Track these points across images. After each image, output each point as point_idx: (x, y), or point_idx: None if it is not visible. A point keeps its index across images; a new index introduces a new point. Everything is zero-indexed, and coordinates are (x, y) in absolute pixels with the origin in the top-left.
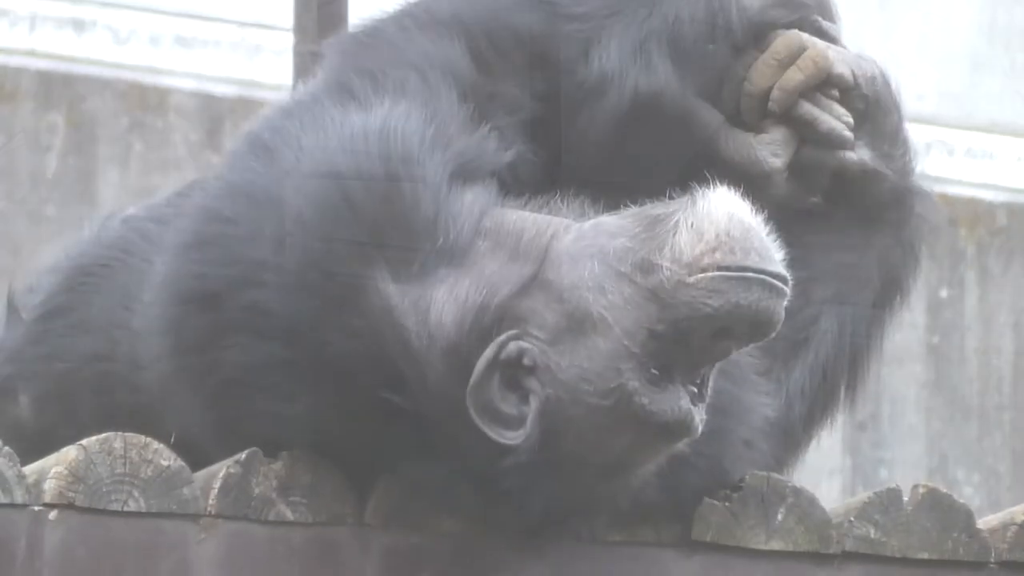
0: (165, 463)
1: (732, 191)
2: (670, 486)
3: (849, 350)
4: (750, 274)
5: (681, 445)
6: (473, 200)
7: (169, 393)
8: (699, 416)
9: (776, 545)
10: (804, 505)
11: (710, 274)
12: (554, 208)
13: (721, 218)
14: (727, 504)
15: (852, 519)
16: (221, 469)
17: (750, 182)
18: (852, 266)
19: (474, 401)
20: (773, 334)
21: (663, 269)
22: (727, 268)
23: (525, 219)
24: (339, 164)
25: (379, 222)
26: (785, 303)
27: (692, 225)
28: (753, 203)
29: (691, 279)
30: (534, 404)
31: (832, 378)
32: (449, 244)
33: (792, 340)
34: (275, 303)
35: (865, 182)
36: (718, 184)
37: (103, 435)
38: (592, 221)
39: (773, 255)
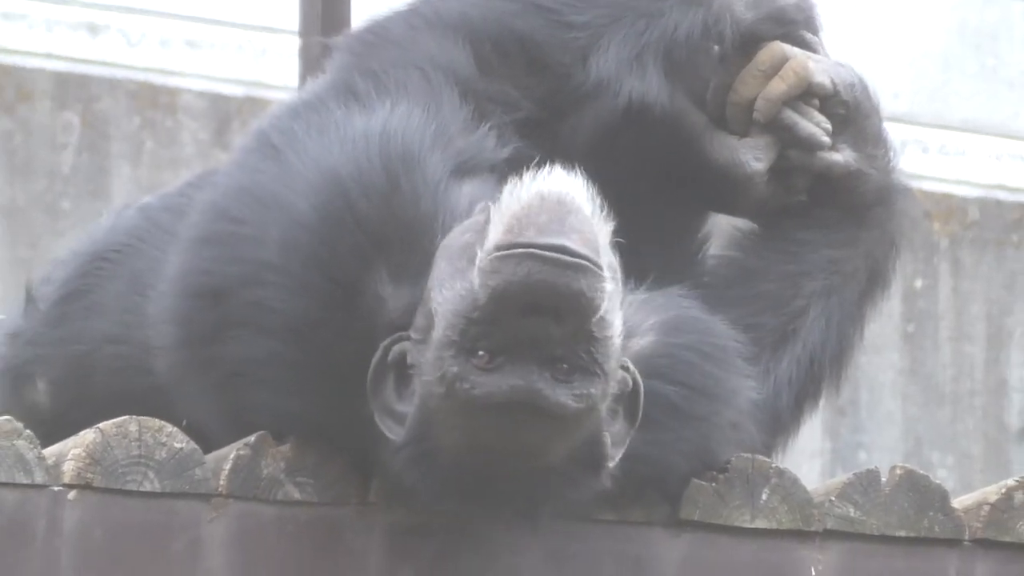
0: (178, 445)
1: (556, 170)
2: (659, 468)
3: (835, 340)
4: (519, 250)
5: (563, 427)
6: (471, 194)
7: (178, 380)
8: (568, 392)
9: (761, 524)
10: (787, 485)
11: (489, 256)
12: (485, 204)
13: (523, 200)
14: (714, 485)
15: (833, 499)
16: (231, 451)
17: (733, 183)
18: (840, 261)
19: (374, 402)
20: (589, 310)
21: (476, 258)
22: (505, 247)
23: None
24: (340, 168)
25: (379, 224)
26: (587, 276)
27: (501, 210)
28: (737, 204)
29: (480, 263)
30: (414, 401)
31: (818, 367)
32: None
33: (781, 331)
34: (277, 302)
35: (851, 182)
36: (548, 166)
37: (119, 419)
38: (466, 221)
39: (564, 229)
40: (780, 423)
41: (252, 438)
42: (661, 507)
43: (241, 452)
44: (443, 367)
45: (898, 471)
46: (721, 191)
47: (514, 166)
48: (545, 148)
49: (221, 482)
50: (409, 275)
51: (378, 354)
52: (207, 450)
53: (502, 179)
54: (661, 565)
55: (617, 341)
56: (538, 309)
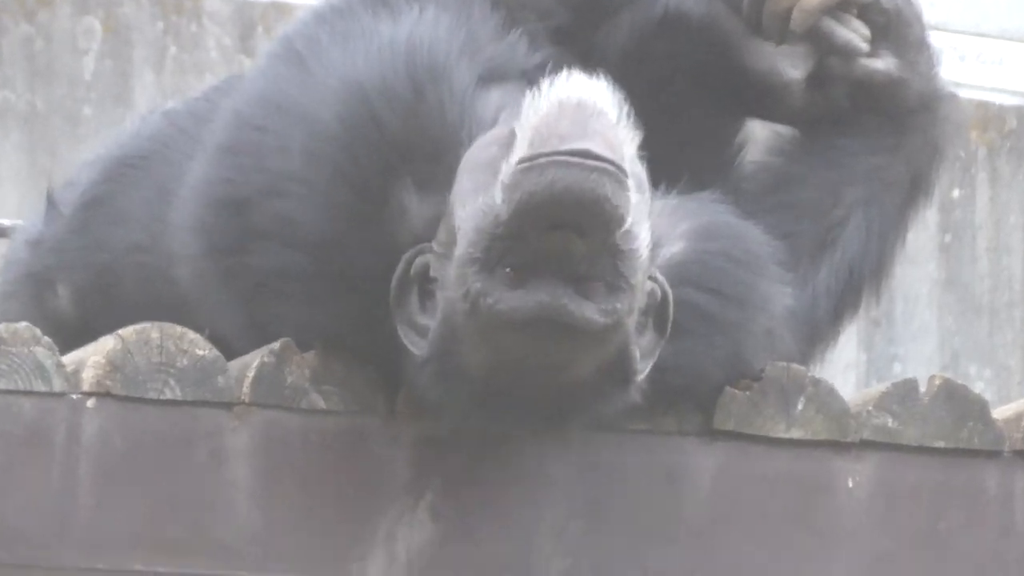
0: (201, 353)
1: (576, 75)
2: (691, 377)
3: (876, 250)
4: (541, 160)
5: (591, 342)
6: (500, 99)
7: (203, 289)
8: (596, 307)
9: (796, 434)
10: (823, 395)
11: (512, 170)
12: (511, 112)
13: (543, 109)
14: (748, 394)
15: (870, 409)
16: (255, 359)
17: (770, 92)
18: (881, 168)
19: (398, 316)
20: (613, 221)
21: (500, 173)
22: (527, 160)
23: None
24: (365, 77)
25: (404, 134)
26: (612, 181)
27: (522, 122)
28: (774, 112)
29: (503, 177)
30: (437, 316)
31: (858, 277)
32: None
33: (820, 239)
34: (300, 213)
35: (892, 88)
36: (568, 72)
37: (140, 325)
38: (489, 133)
39: (586, 133)
40: (817, 333)
41: (276, 345)
42: (694, 416)
43: (265, 360)
44: (466, 284)
45: (936, 381)
46: (758, 99)
47: (545, 73)
48: (578, 56)
49: (244, 390)
50: (434, 187)
51: (401, 266)
52: (230, 359)
53: (533, 86)
54: (694, 475)
55: (644, 253)
56: (562, 222)
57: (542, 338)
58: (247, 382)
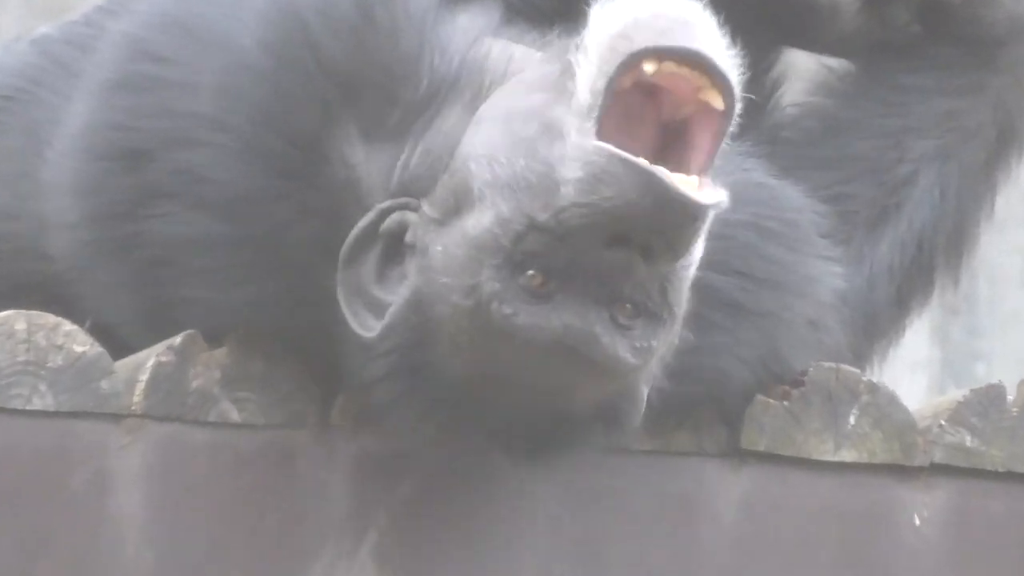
0: (80, 349)
1: None
2: (713, 382)
3: (953, 217)
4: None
5: (609, 380)
6: (468, 23)
7: (85, 266)
8: (627, 343)
9: (847, 455)
10: (883, 405)
11: (592, 139)
12: (559, 45)
13: (616, 26)
14: (786, 403)
15: (943, 423)
16: (150, 358)
17: (814, 10)
18: (960, 113)
19: (344, 278)
20: (692, 245)
21: (570, 133)
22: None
23: (504, 54)
24: None
25: (348, 65)
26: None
27: (591, 53)
28: (819, 37)
29: (575, 143)
30: (402, 292)
31: (929, 252)
32: (434, 87)
33: (881, 204)
34: (216, 167)
35: (974, 8)
36: None
37: (2, 313)
38: (529, 72)
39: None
40: (877, 324)
41: (177, 339)
42: (716, 433)
43: (163, 359)
44: (478, 276)
45: None
46: (799, 19)
47: None
48: None
49: (136, 398)
50: (387, 133)
51: (368, 217)
52: (118, 357)
53: (511, 9)
54: (715, 506)
55: (693, 271)
56: (634, 238)
57: (556, 367)
58: (140, 387)
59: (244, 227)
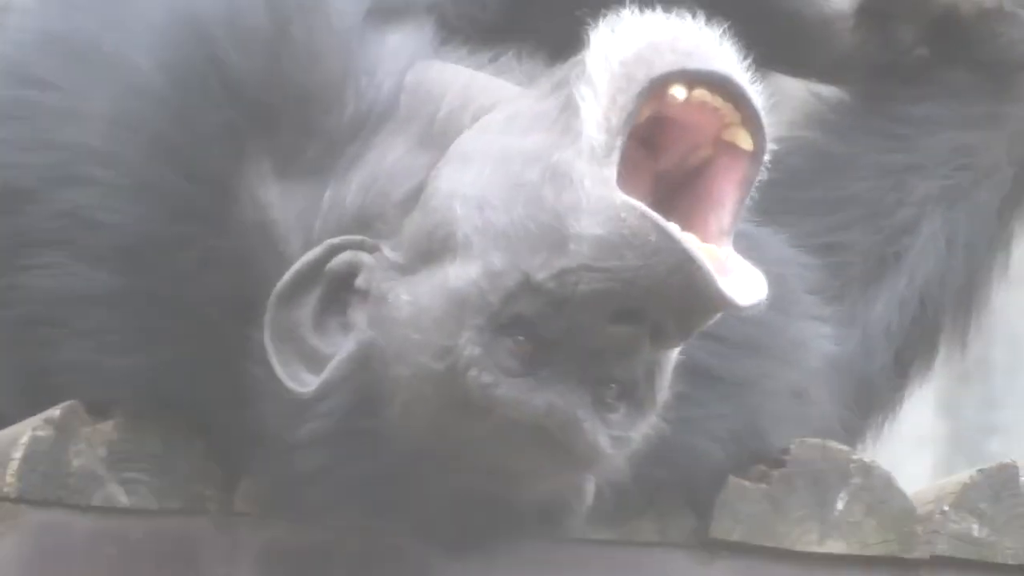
0: None
1: (659, 16)
2: (681, 462)
3: (962, 270)
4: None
5: (580, 470)
6: (400, 44)
7: None
8: (607, 431)
9: (835, 547)
10: (878, 488)
11: (614, 195)
12: (505, 66)
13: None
14: (764, 486)
15: (946, 509)
16: (25, 432)
17: (805, 30)
18: (971, 149)
19: (274, 320)
20: (702, 325)
21: (582, 181)
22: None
23: (457, 79)
24: (204, 7)
25: (259, 88)
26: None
27: (597, 86)
28: (811, 61)
29: (592, 196)
30: (347, 345)
31: (934, 311)
32: (361, 116)
33: (878, 255)
34: (106, 208)
35: (990, 26)
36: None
37: None
38: (507, 109)
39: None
40: (872, 395)
41: (56, 411)
42: (684, 520)
43: (40, 433)
44: (455, 337)
45: None
46: (789, 41)
47: (462, 4)
48: None
49: (9, 479)
50: (305, 168)
51: (314, 252)
52: None
53: (445, 29)
54: None
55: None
56: (639, 315)
57: (526, 449)
58: (13, 466)
59: (138, 279)
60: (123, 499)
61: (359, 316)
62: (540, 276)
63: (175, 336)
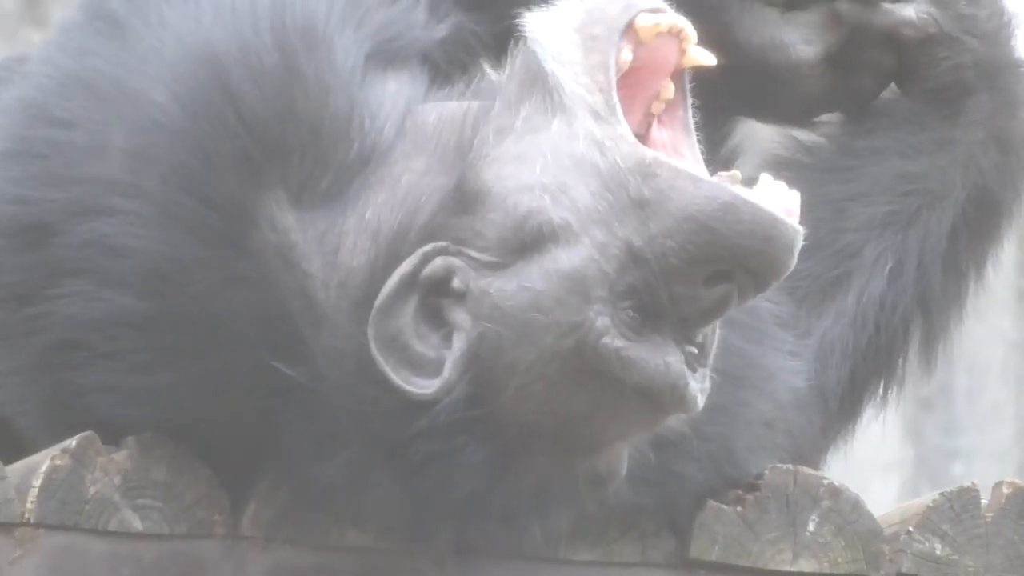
0: None
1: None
2: (660, 483)
3: (915, 294)
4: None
5: (670, 423)
6: (397, 91)
7: None
8: (698, 386)
9: (806, 565)
10: (845, 511)
11: (666, 163)
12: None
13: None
14: (739, 509)
15: (911, 530)
16: (44, 461)
17: (773, 74)
18: (918, 176)
19: (378, 333)
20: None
21: (608, 145)
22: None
23: (455, 113)
24: (217, 42)
25: (273, 124)
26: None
27: (576, 55)
28: (778, 105)
29: (650, 169)
30: (458, 344)
31: (888, 333)
32: (366, 151)
33: (821, 279)
34: (129, 236)
35: (933, 51)
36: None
37: None
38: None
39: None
40: (828, 407)
41: (73, 442)
42: (663, 541)
43: (58, 462)
44: (586, 310)
45: (1005, 490)
46: (757, 86)
47: (454, 50)
48: (496, 24)
49: (29, 505)
50: (320, 197)
51: (408, 263)
52: (11, 459)
53: (439, 72)
54: None
55: None
56: (732, 274)
57: (642, 407)
58: (33, 493)
59: (162, 303)
60: (137, 524)
61: (460, 316)
62: (638, 243)
63: (199, 355)
